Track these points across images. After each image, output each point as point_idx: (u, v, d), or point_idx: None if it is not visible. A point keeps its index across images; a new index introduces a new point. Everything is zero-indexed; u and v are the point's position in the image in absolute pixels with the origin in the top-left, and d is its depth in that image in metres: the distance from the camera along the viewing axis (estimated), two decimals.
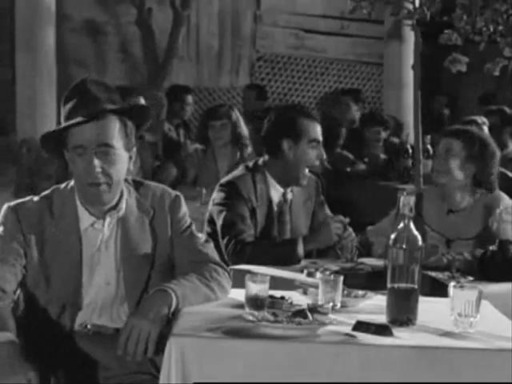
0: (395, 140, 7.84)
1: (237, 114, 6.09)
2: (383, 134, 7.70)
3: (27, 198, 2.77)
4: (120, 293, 2.76)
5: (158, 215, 2.81)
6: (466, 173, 3.86)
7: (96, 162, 2.64)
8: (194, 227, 2.87)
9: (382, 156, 7.61)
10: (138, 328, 2.42)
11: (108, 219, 2.75)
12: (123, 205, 2.77)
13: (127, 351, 2.42)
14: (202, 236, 2.90)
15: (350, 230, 3.84)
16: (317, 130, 3.97)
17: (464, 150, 3.85)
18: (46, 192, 2.79)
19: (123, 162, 2.71)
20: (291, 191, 4.02)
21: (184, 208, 2.87)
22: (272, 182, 3.96)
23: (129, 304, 2.75)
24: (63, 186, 2.80)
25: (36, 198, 2.77)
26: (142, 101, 6.62)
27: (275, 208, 3.97)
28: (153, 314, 2.47)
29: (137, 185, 2.85)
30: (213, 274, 2.74)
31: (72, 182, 2.78)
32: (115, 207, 2.75)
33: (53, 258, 2.70)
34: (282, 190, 3.98)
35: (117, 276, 2.76)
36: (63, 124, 2.67)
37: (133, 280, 2.75)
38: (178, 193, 2.90)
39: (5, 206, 2.74)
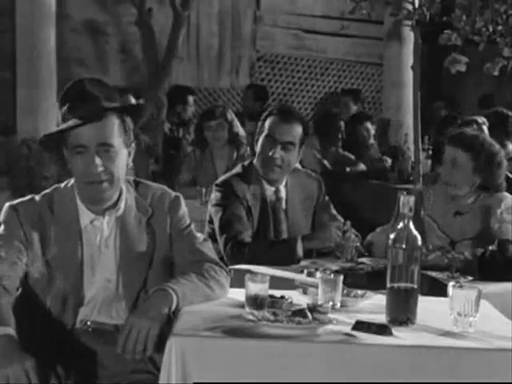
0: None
1: (231, 114, 6.13)
2: (372, 129, 7.93)
3: (28, 197, 2.79)
4: (119, 290, 2.77)
5: (157, 214, 2.83)
6: (473, 183, 3.83)
7: (97, 160, 2.65)
8: (193, 226, 2.89)
9: (379, 155, 7.68)
10: (138, 326, 2.42)
11: (107, 217, 2.76)
12: (122, 204, 2.79)
13: (126, 349, 2.42)
14: (200, 236, 2.91)
15: (353, 234, 3.83)
16: (283, 131, 3.90)
17: (471, 161, 3.79)
18: (47, 190, 2.82)
19: (123, 158, 2.73)
20: (285, 187, 3.99)
21: (183, 208, 2.89)
22: (262, 179, 3.96)
23: (126, 302, 2.76)
24: (63, 184, 2.82)
25: (37, 197, 2.78)
26: (132, 99, 6.70)
27: (269, 206, 3.96)
28: (152, 313, 2.47)
29: (137, 184, 2.87)
30: (211, 273, 2.75)
31: (72, 181, 2.79)
32: (114, 206, 2.77)
33: (54, 255, 2.71)
34: (272, 188, 3.98)
35: (117, 273, 2.77)
36: (62, 126, 2.68)
37: (131, 278, 2.77)
38: (178, 194, 2.91)
39: (6, 205, 2.76)
